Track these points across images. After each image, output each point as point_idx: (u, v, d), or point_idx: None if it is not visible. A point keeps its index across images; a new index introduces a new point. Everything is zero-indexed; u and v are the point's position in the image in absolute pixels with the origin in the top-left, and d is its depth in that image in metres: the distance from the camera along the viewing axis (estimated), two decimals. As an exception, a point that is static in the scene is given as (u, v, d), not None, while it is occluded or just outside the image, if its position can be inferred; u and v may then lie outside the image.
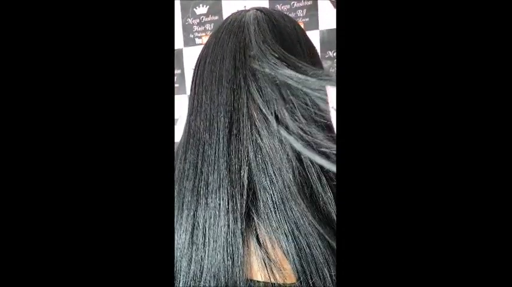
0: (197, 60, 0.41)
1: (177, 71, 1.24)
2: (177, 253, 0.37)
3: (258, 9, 0.42)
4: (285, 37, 0.38)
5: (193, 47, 1.22)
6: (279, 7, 1.12)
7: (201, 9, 1.20)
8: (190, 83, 0.41)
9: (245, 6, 1.15)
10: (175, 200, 0.38)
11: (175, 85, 1.25)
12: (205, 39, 1.21)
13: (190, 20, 1.21)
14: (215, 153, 0.36)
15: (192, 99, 0.40)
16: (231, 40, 0.38)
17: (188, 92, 1.24)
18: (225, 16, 1.18)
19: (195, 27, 1.21)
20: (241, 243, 0.34)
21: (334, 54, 1.09)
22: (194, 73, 0.41)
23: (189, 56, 1.23)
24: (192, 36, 1.21)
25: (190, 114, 0.40)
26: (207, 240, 0.35)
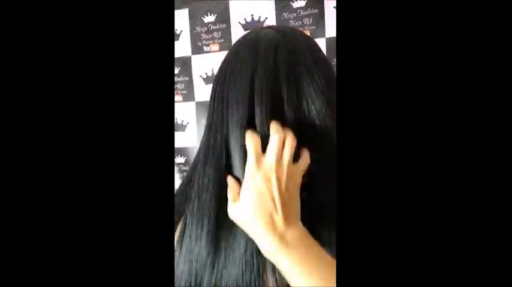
0: (216, 77, 0.44)
1: (185, 78, 1.26)
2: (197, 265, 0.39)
3: (273, 27, 0.44)
4: (298, 55, 0.40)
5: (201, 54, 1.24)
6: (285, 15, 1.14)
7: (209, 18, 1.22)
8: (209, 99, 0.43)
9: (252, 15, 1.17)
10: (195, 212, 0.39)
11: (183, 92, 1.27)
12: (212, 47, 1.23)
13: (198, 29, 1.23)
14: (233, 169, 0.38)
15: (212, 114, 0.42)
16: (250, 57, 0.40)
17: (196, 98, 1.26)
18: (232, 24, 1.20)
19: (203, 35, 1.23)
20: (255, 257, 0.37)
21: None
22: (213, 89, 0.43)
23: (197, 63, 1.25)
24: (200, 44, 1.24)
25: (209, 129, 0.41)
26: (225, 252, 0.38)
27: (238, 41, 0.45)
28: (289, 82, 0.38)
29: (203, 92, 1.26)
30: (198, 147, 0.44)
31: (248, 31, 0.46)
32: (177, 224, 0.42)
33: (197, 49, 1.24)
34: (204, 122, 1.25)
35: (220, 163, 0.39)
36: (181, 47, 1.25)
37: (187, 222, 0.40)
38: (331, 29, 1.10)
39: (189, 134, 1.27)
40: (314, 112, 0.38)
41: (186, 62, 1.25)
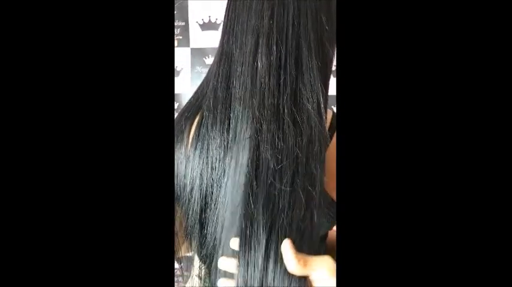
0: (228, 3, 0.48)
1: (181, 23, 1.26)
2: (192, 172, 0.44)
3: None
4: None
5: (198, 0, 1.23)
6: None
7: (208, -39, 1.19)
8: (224, 12, 0.47)
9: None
10: (212, 104, 0.44)
11: (179, 37, 1.27)
12: (210, -8, 1.21)
13: (196, -28, 1.21)
14: (243, 69, 0.43)
15: (225, 24, 0.47)
16: None
17: (191, 45, 1.27)
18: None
19: (202, -20, 1.21)
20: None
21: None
22: (228, 3, 0.47)
23: (193, 10, 1.24)
24: (197, -12, 1.22)
25: (223, 37, 0.47)
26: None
27: None
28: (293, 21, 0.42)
29: (199, 38, 1.26)
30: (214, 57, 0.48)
31: None
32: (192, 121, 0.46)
33: (194, -6, 1.23)
34: (198, 69, 1.28)
35: (233, 66, 0.44)
36: (179, -9, 1.24)
37: (204, 117, 0.44)
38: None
39: (183, 80, 1.30)
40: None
41: (183, 7, 1.24)
